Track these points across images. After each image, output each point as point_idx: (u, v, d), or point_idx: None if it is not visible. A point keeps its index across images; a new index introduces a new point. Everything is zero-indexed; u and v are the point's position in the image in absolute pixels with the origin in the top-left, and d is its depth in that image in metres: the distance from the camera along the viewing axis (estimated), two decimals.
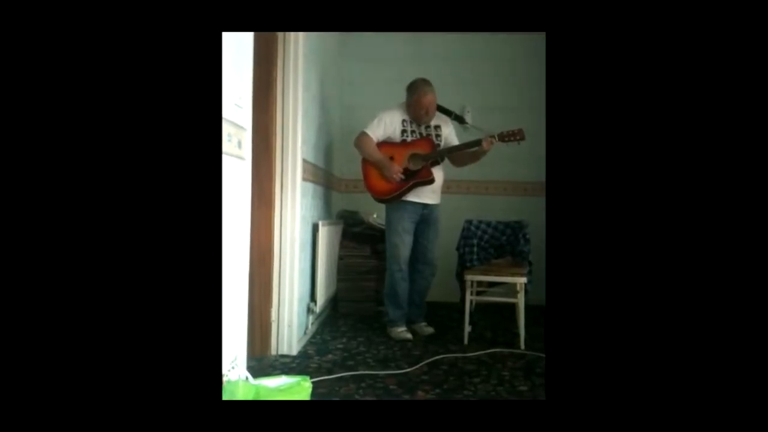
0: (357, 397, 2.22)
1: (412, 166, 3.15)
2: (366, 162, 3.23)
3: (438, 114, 3.32)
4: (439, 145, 3.24)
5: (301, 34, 2.84)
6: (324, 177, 3.71)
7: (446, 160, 3.33)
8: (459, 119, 3.68)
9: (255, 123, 2.10)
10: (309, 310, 3.19)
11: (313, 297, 3.26)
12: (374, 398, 2.21)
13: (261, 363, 2.63)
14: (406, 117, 3.24)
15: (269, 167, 2.75)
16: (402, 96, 3.27)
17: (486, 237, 3.30)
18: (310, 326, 3.20)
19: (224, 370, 1.62)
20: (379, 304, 3.73)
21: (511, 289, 3.17)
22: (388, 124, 3.21)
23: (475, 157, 3.27)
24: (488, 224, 3.31)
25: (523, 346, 3.01)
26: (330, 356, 2.82)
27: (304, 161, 2.98)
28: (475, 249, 3.24)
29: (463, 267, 3.26)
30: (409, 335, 3.21)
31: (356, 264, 3.89)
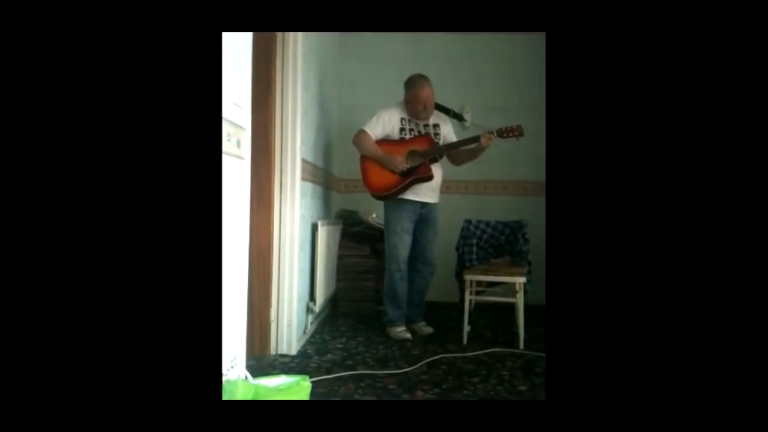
0: (356, 396, 2.22)
1: (411, 163, 3.15)
2: (365, 159, 3.23)
3: (437, 113, 3.32)
4: (437, 143, 3.24)
5: (300, 34, 2.84)
6: (323, 177, 3.71)
7: (445, 159, 3.33)
8: (457, 117, 3.69)
9: (254, 122, 2.09)
10: (308, 310, 3.19)
11: (312, 296, 3.26)
12: (373, 398, 2.21)
13: (260, 362, 2.63)
14: (404, 115, 3.24)
15: (268, 167, 2.75)
16: (401, 95, 3.27)
17: (485, 237, 3.30)
18: (309, 326, 3.20)
19: (224, 370, 1.62)
20: (378, 304, 3.73)
21: (511, 289, 3.17)
22: (386, 122, 3.21)
23: (474, 155, 3.27)
24: (487, 224, 3.31)
25: (522, 346, 3.01)
26: (329, 356, 2.82)
27: (304, 161, 2.98)
28: (475, 249, 3.24)
29: (462, 267, 3.26)
30: (408, 335, 3.21)
31: (355, 263, 3.89)
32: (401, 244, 3.23)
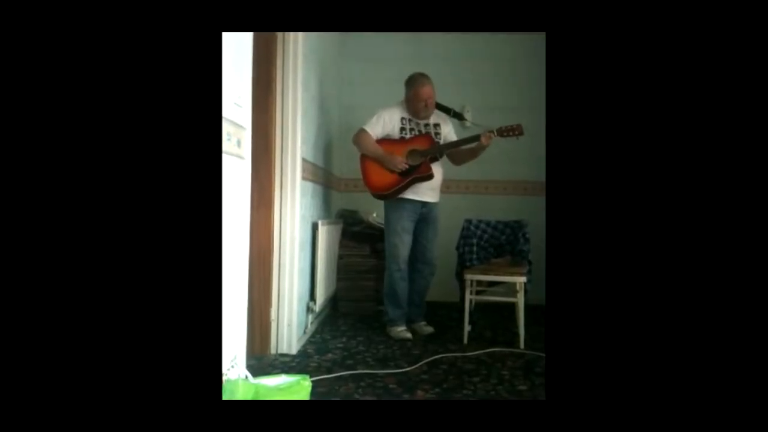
0: (356, 396, 2.22)
1: (411, 162, 3.15)
2: (365, 158, 3.23)
3: (437, 112, 3.32)
4: (438, 142, 3.24)
5: (300, 34, 2.84)
6: (323, 176, 3.71)
7: (446, 159, 3.33)
8: (458, 116, 3.69)
9: (254, 122, 2.09)
10: (308, 310, 3.19)
11: (312, 296, 3.26)
12: (374, 397, 2.21)
13: (260, 362, 2.63)
14: (405, 115, 3.24)
15: (269, 166, 2.75)
16: (401, 95, 3.27)
17: (485, 236, 3.30)
18: (309, 325, 3.20)
19: (224, 369, 1.62)
20: (378, 304, 3.73)
21: (511, 289, 3.17)
22: (387, 122, 3.21)
23: (474, 154, 3.27)
24: (488, 224, 3.31)
25: (522, 346, 3.01)
26: (329, 355, 2.82)
27: (304, 160, 2.98)
28: (475, 248, 3.24)
29: (462, 266, 3.27)
30: (408, 335, 3.21)
31: (356, 263, 3.89)
32: (401, 244, 3.23)
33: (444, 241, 3.55)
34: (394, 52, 4.46)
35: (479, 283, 3.32)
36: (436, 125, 3.29)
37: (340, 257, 3.88)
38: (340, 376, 2.46)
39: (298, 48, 2.83)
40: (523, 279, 3.09)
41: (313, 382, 1.93)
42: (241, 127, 1.89)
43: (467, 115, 4.36)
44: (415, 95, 3.17)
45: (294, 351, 2.83)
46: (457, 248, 3.34)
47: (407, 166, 3.13)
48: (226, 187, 1.68)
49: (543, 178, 3.73)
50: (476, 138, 3.15)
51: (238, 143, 1.87)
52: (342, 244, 3.92)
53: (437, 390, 2.32)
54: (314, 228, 3.30)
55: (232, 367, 1.67)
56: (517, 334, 3.10)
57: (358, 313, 3.81)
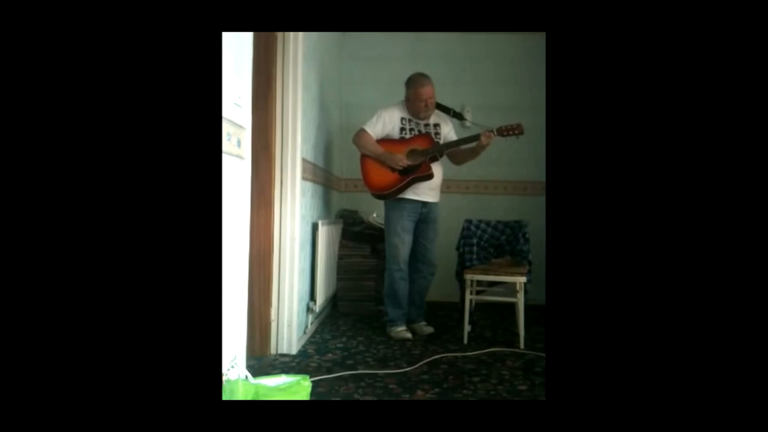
0: (356, 396, 2.22)
1: (411, 162, 3.15)
2: (365, 158, 3.23)
3: (437, 112, 3.32)
4: (438, 142, 3.24)
5: (300, 34, 2.84)
6: (323, 176, 3.71)
7: (446, 159, 3.33)
8: (458, 116, 3.69)
9: (254, 122, 2.10)
10: (308, 310, 3.19)
11: (312, 296, 3.26)
12: (374, 397, 2.21)
13: (261, 362, 2.63)
14: (405, 115, 3.24)
15: (269, 166, 2.75)
16: (401, 95, 3.27)
17: (486, 237, 3.30)
18: (309, 325, 3.20)
19: (224, 370, 1.62)
20: (378, 304, 3.73)
21: (511, 289, 3.17)
22: (387, 122, 3.21)
23: (474, 154, 3.26)
24: (488, 224, 3.32)
25: (522, 346, 3.01)
26: (330, 355, 2.82)
27: (304, 160, 2.98)
28: (475, 249, 3.24)
29: (462, 266, 3.26)
30: (408, 335, 3.21)
31: (356, 263, 3.89)
32: (402, 244, 3.23)
33: (444, 241, 3.55)
34: (394, 52, 4.46)
35: (479, 283, 3.32)
36: (436, 125, 3.29)
37: (340, 257, 3.88)
38: (340, 376, 2.46)
39: (298, 48, 2.83)
40: (523, 279, 3.09)
41: (313, 382, 1.93)
42: (241, 127, 1.89)
43: (467, 115, 4.36)
44: (415, 95, 3.17)
45: (294, 351, 2.83)
46: (457, 248, 3.34)
47: (408, 163, 3.13)
48: (226, 187, 1.68)
49: (543, 178, 3.74)
50: (476, 137, 3.15)
51: (238, 143, 1.87)
52: (342, 244, 3.92)
53: (437, 390, 2.32)
54: (314, 228, 3.30)
55: (232, 367, 1.67)
56: (517, 334, 3.10)
57: (358, 313, 3.81)
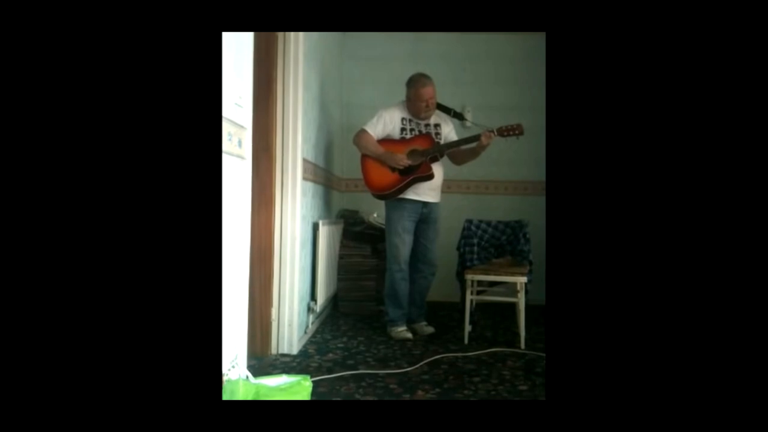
0: (357, 396, 2.22)
1: (412, 162, 3.15)
2: (365, 158, 3.24)
3: (438, 113, 3.33)
4: (438, 142, 3.24)
5: (301, 34, 2.84)
6: (324, 176, 3.72)
7: (446, 159, 3.33)
8: (458, 116, 3.69)
9: (255, 122, 2.10)
10: (309, 309, 3.19)
11: (313, 296, 3.26)
12: (374, 398, 2.21)
13: (261, 362, 2.63)
14: (405, 115, 3.24)
15: (269, 166, 2.75)
16: (402, 95, 3.28)
17: (486, 237, 3.30)
18: (310, 325, 3.21)
19: (224, 370, 1.62)
20: (379, 304, 3.73)
21: (512, 289, 3.17)
22: (387, 122, 3.21)
23: (475, 154, 3.26)
24: (488, 224, 3.32)
25: (523, 346, 3.01)
26: (330, 355, 2.82)
27: (305, 160, 2.98)
28: (476, 249, 3.24)
29: (463, 266, 3.26)
30: (409, 335, 3.21)
31: (356, 263, 3.89)
32: (402, 244, 3.23)
33: (445, 242, 3.55)
34: (395, 52, 4.46)
35: (480, 283, 3.32)
36: (437, 125, 3.29)
37: (341, 257, 3.88)
38: (341, 376, 2.46)
39: (299, 48, 2.83)
40: (523, 279, 3.09)
41: (313, 382, 1.93)
42: (241, 127, 1.89)
43: (467, 115, 4.36)
44: (416, 95, 3.18)
45: (295, 351, 2.83)
46: (458, 248, 3.34)
47: (408, 163, 3.13)
48: (226, 187, 1.68)
49: (543, 178, 3.74)
50: (476, 138, 3.15)
51: (239, 143, 1.87)
52: (343, 244, 3.93)
53: (438, 390, 2.32)
54: (315, 228, 3.30)
55: (233, 367, 1.67)
56: (517, 334, 3.10)
57: (359, 313, 3.81)
